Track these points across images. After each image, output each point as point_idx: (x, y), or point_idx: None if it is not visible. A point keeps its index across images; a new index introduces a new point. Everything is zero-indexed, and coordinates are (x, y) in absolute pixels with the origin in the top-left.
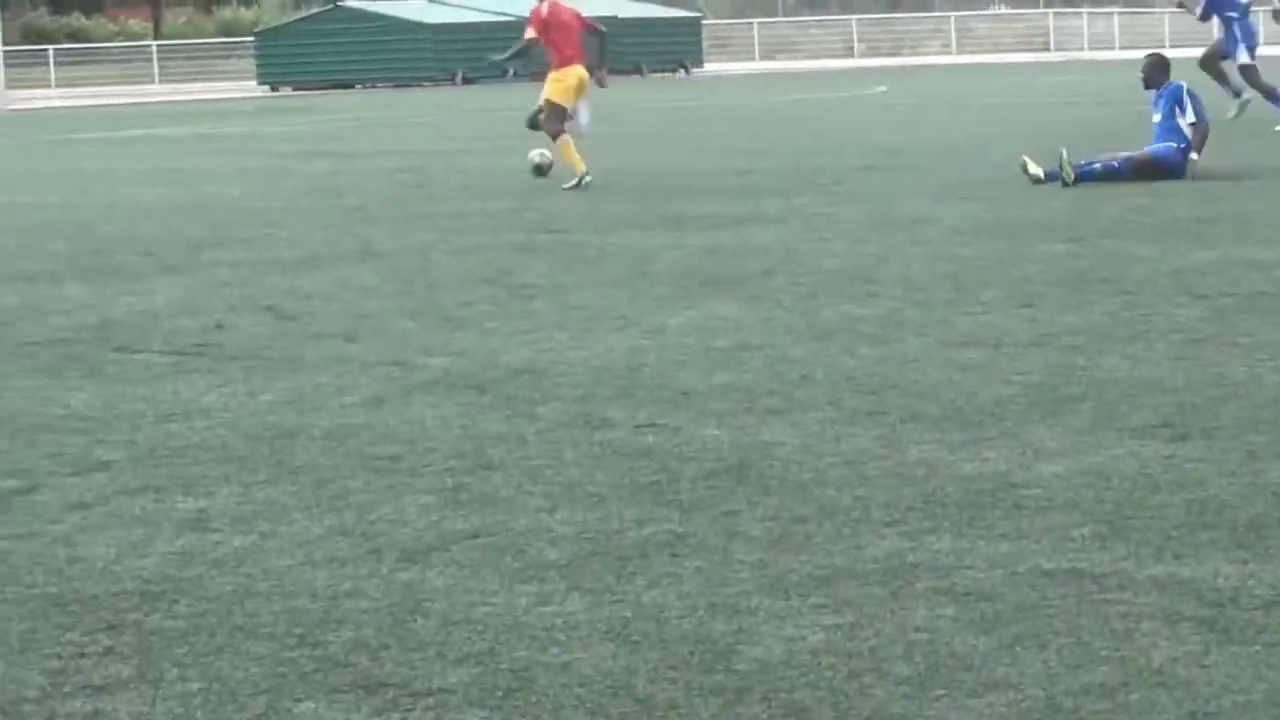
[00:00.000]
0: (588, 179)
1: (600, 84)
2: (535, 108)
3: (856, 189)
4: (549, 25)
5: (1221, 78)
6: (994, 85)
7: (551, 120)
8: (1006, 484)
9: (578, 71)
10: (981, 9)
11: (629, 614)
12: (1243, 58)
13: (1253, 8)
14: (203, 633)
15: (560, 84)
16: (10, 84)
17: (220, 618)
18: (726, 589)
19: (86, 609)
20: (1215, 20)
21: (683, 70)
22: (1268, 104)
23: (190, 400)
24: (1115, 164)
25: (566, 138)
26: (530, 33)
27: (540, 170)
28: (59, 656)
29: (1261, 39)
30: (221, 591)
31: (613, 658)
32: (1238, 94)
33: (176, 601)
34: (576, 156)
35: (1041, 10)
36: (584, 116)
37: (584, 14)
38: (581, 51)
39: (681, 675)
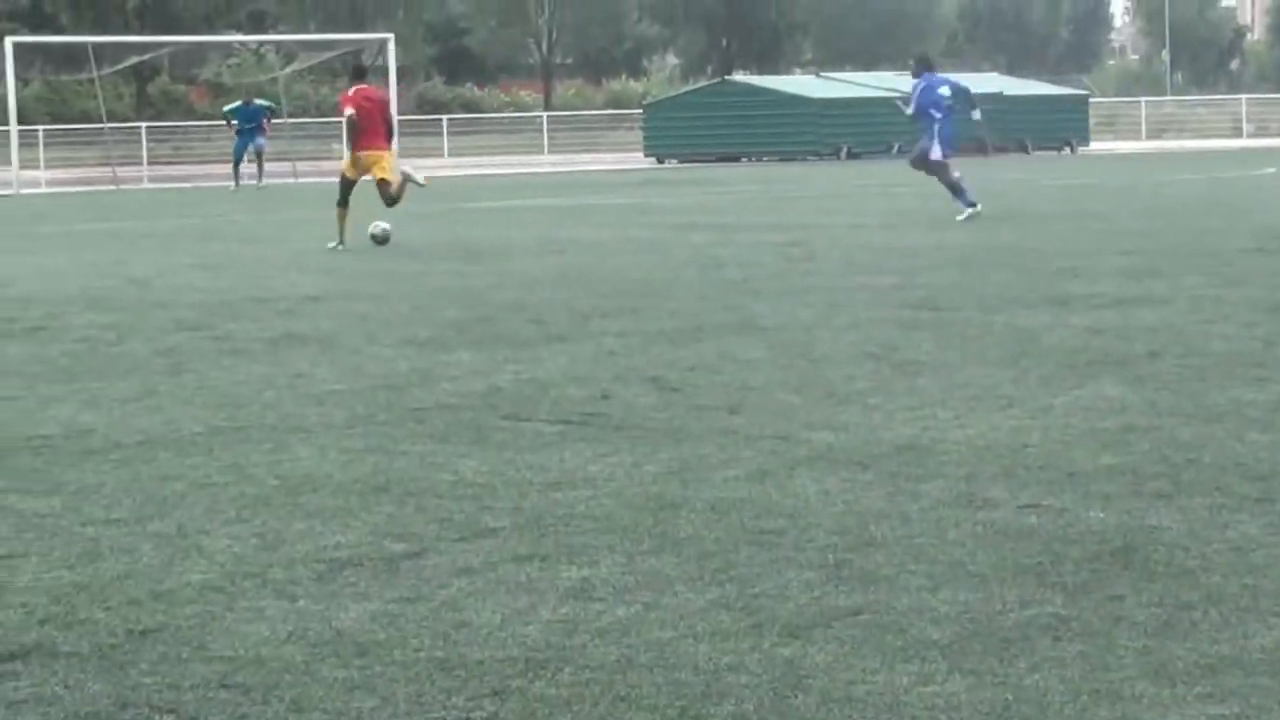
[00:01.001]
0: (340, 248)
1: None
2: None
3: (1245, 271)
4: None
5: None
6: None
7: (344, 190)
8: None
9: (368, 155)
10: None
11: (1010, 697)
12: (935, 154)
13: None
14: (585, 702)
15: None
16: (404, 153)
17: (603, 687)
18: (1110, 675)
19: (472, 674)
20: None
21: (1068, 148)
22: (954, 199)
23: (576, 469)
24: None
25: (344, 211)
26: (349, 110)
27: (380, 239)
28: None
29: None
30: (604, 661)
31: None
32: (971, 204)
33: (560, 670)
34: (346, 227)
35: None
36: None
37: (388, 106)
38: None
39: None
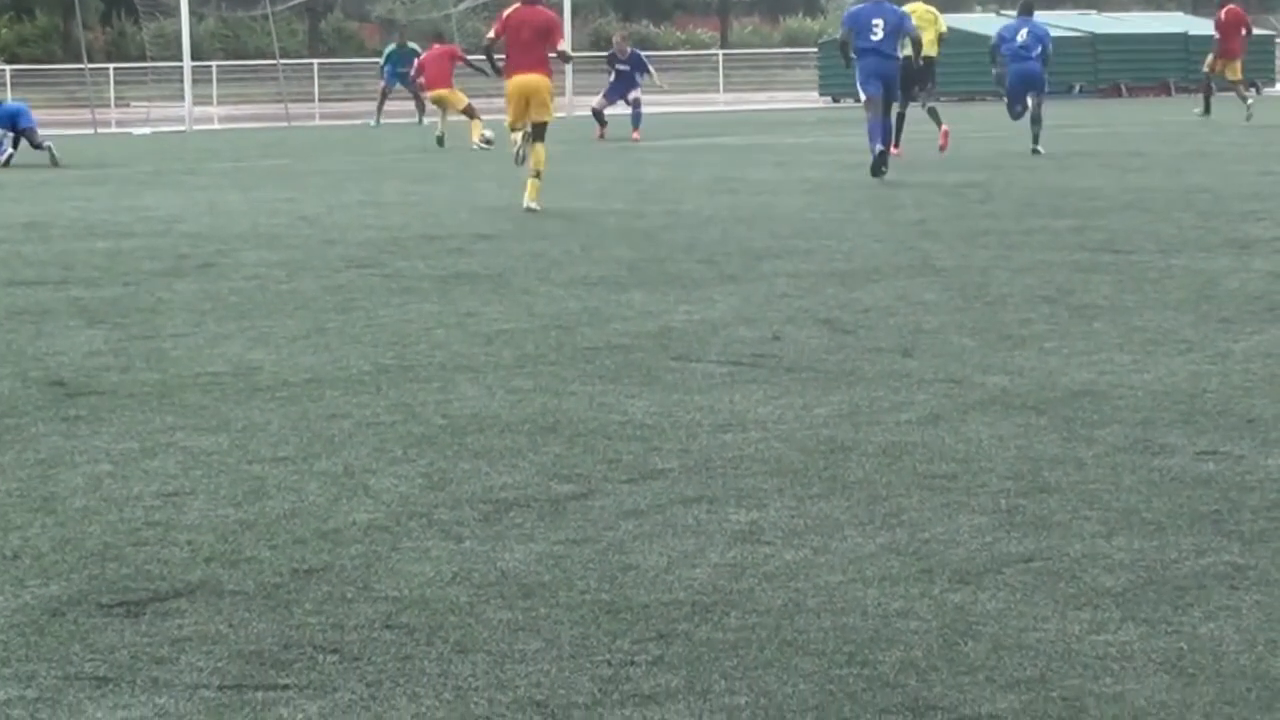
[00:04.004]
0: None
1: None
2: None
3: None
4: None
5: None
6: None
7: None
8: None
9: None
10: None
11: (1184, 646)
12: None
13: None
14: (752, 646)
15: None
16: (577, 90)
17: (770, 632)
18: None
19: (637, 617)
20: None
21: (1254, 89)
22: None
23: (745, 411)
24: None
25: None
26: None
27: (487, 143)
28: (609, 664)
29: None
30: (772, 605)
31: (1167, 690)
32: None
33: (727, 614)
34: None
35: None
36: None
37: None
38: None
39: (1238, 712)
